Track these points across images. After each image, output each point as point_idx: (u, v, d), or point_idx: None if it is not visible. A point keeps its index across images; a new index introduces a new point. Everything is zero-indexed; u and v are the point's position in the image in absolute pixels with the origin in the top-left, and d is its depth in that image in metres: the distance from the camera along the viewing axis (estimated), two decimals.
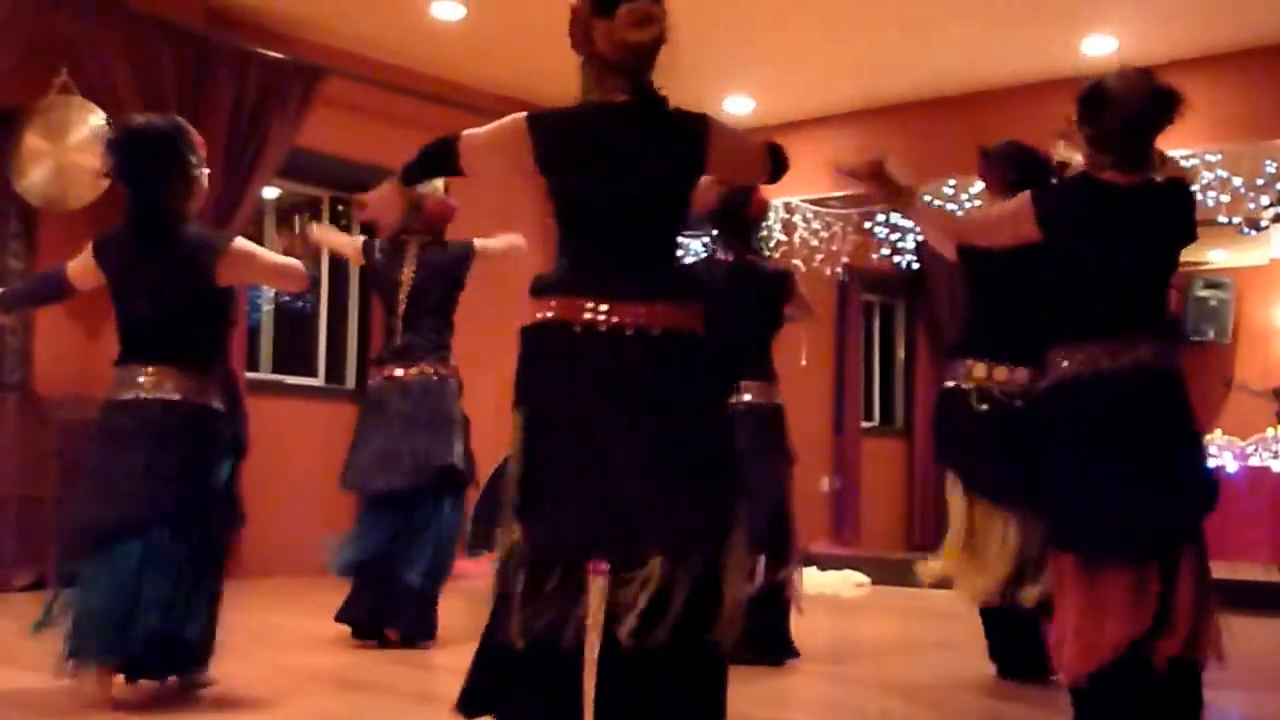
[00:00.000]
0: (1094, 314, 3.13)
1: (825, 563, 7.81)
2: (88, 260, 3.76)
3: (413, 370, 4.77)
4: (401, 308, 4.83)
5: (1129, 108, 3.14)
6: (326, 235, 5.11)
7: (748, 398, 4.79)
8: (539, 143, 2.69)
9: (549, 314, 2.62)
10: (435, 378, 4.76)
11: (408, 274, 4.85)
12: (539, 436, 2.59)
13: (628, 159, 2.67)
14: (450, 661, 4.34)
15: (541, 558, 2.51)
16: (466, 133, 2.76)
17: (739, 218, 4.71)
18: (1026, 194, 3.26)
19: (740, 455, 2.88)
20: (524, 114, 2.70)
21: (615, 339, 2.59)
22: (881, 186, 3.36)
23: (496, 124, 2.74)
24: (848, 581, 7.47)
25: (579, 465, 2.55)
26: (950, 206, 8.62)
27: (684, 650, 2.47)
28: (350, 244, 5.07)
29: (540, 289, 2.65)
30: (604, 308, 2.59)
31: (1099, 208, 3.15)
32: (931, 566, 4.16)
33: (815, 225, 8.30)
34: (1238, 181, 7.19)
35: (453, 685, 2.59)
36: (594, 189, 2.68)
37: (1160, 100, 3.13)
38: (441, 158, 2.80)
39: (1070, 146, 3.53)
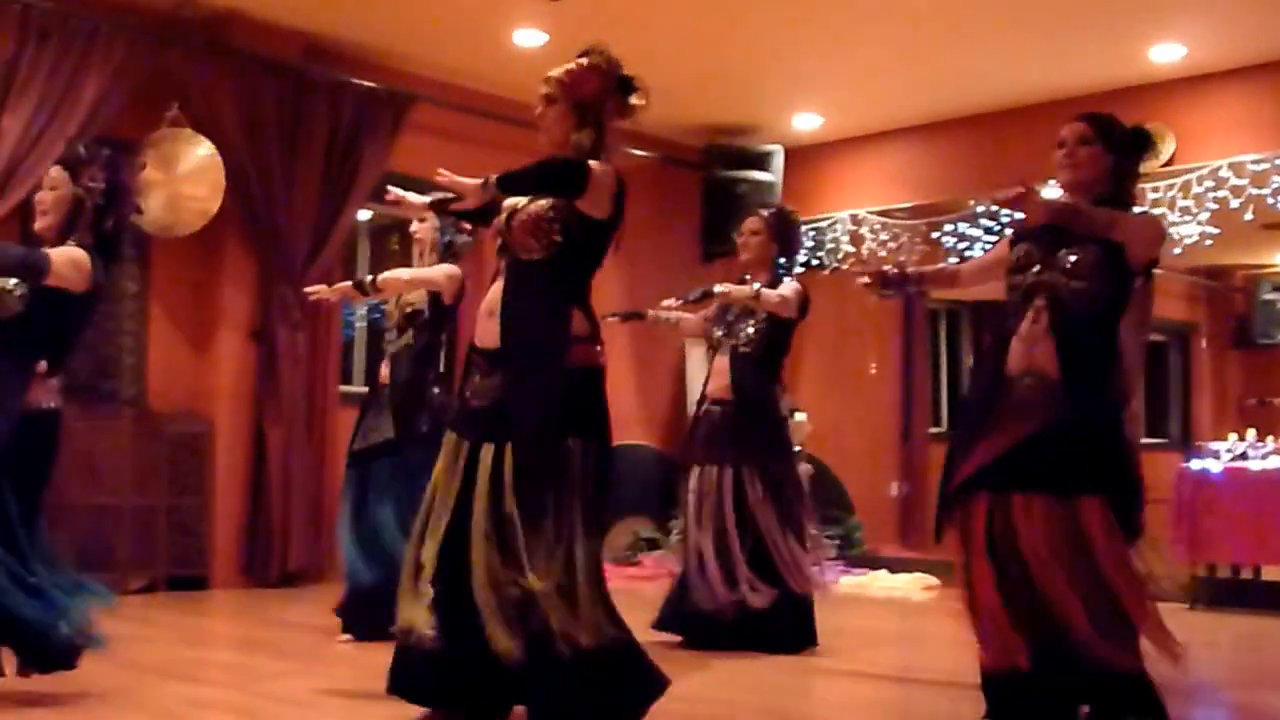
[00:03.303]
0: None
1: (895, 566, 7.99)
2: (85, 266, 3.62)
3: None
4: None
5: None
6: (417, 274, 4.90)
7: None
8: (619, 194, 3.27)
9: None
10: None
11: None
12: None
13: None
14: None
15: None
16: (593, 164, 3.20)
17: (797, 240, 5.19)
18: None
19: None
20: (611, 167, 3.23)
21: None
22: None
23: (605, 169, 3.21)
24: (918, 584, 7.64)
25: None
26: (1019, 216, 8.75)
27: None
28: (444, 274, 4.84)
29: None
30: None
31: None
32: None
33: (883, 236, 8.49)
34: None
35: None
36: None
37: None
38: (572, 177, 3.18)
39: None
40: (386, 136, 7.01)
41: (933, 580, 7.62)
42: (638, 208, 3.41)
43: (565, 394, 3.13)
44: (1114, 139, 3.40)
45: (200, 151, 6.32)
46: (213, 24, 6.55)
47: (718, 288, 4.90)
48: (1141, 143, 3.46)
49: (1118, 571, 3.16)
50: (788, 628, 4.80)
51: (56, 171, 3.72)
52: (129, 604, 5.92)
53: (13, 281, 3.54)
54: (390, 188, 4.31)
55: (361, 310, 7.32)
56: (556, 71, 3.34)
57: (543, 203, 3.22)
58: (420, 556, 3.20)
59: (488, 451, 3.14)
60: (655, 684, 3.16)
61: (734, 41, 6.95)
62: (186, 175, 6.29)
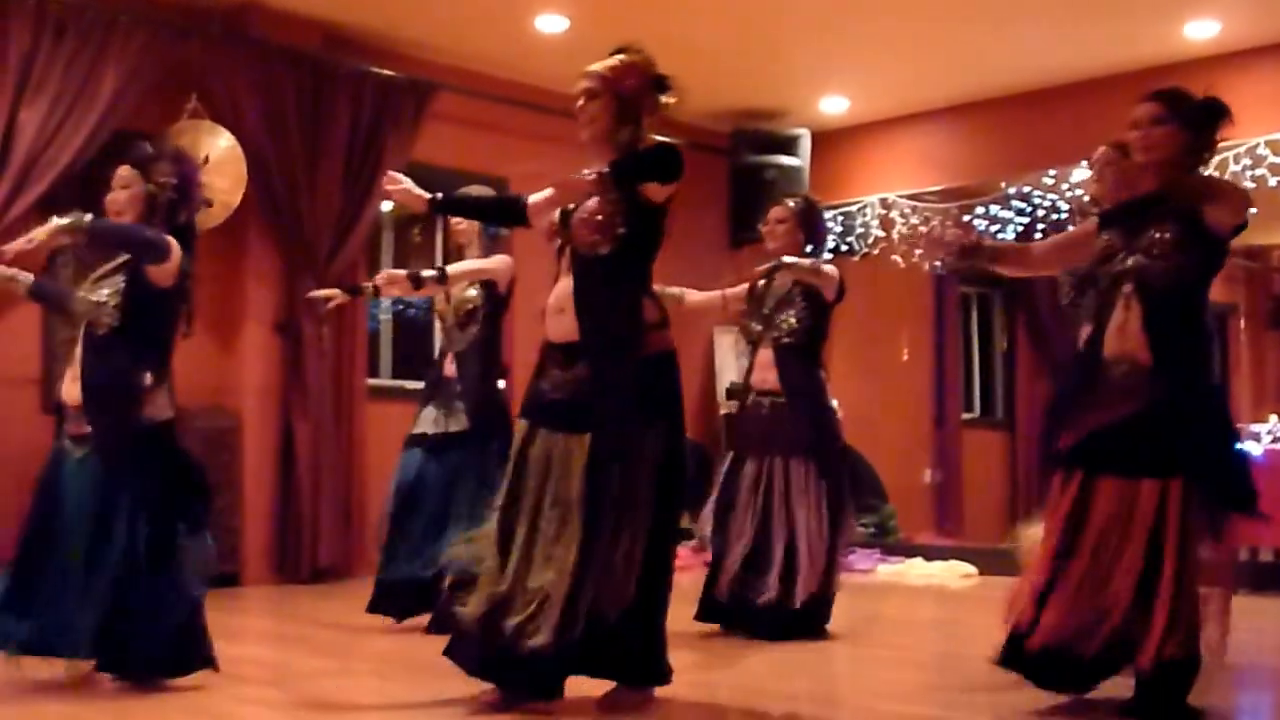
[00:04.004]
0: None
1: (931, 553, 7.89)
2: (179, 254, 3.72)
3: None
4: None
5: None
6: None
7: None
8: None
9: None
10: None
11: None
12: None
13: None
14: None
15: None
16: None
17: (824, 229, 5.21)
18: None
19: None
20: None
21: None
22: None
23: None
24: (954, 572, 7.54)
25: None
26: (1051, 197, 8.63)
27: None
28: (504, 263, 4.94)
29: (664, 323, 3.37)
30: None
31: None
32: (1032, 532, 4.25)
33: (914, 220, 8.38)
34: None
35: None
36: None
37: None
38: (679, 163, 3.35)
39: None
40: (409, 126, 6.94)
41: (970, 568, 7.53)
42: None
43: (646, 381, 3.26)
44: (1187, 114, 3.36)
45: (221, 143, 6.26)
46: (231, 14, 6.49)
47: (787, 258, 4.81)
48: (1216, 114, 3.39)
49: (1181, 560, 3.16)
50: (792, 619, 4.74)
51: (126, 170, 3.74)
52: None
53: (105, 292, 3.62)
54: (394, 175, 4.25)
55: (386, 303, 7.27)
56: (598, 66, 3.39)
57: (599, 198, 3.29)
58: (504, 545, 3.30)
59: (572, 441, 3.25)
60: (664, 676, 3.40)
61: (759, 24, 6.85)
62: (208, 167, 6.23)
